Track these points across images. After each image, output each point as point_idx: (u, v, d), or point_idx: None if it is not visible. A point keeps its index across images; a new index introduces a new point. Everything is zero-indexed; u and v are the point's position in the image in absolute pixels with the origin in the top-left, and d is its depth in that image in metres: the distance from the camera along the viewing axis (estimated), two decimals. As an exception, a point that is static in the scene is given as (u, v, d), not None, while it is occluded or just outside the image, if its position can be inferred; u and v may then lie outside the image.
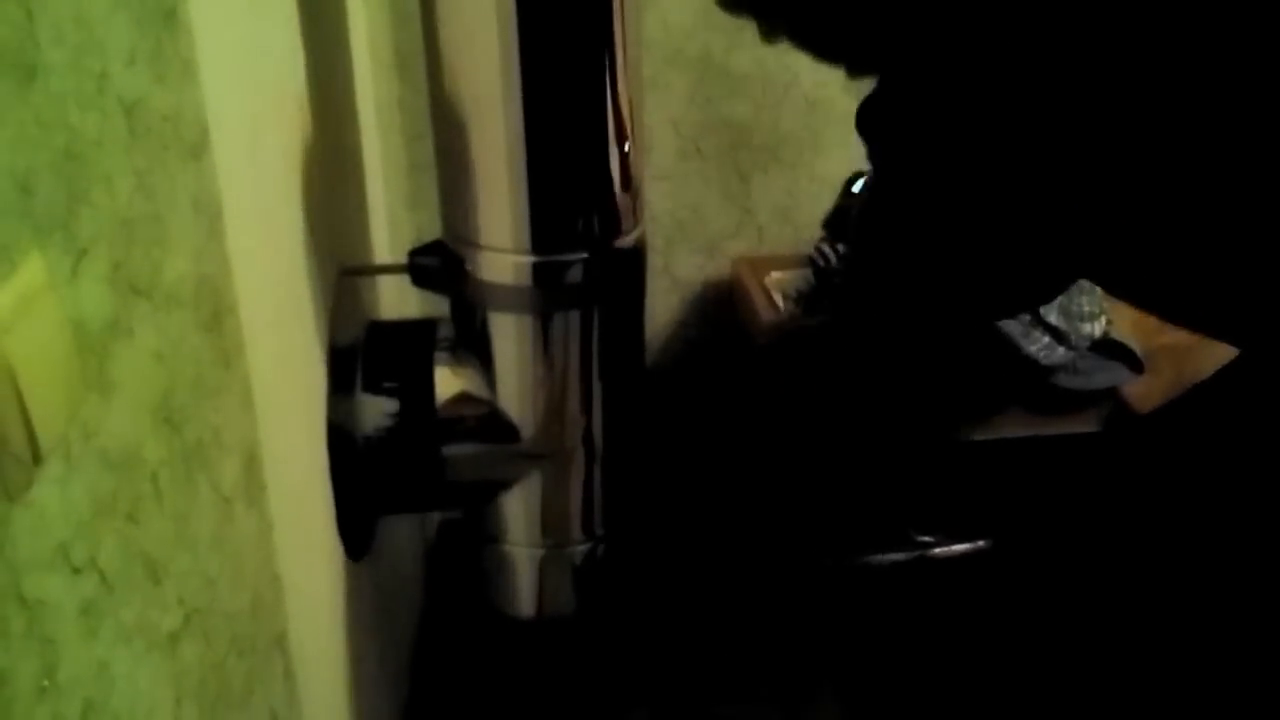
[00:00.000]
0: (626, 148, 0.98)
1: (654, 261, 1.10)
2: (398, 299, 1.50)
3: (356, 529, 1.17)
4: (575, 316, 1.02)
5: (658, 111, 1.84)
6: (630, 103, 0.97)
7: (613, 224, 1.00)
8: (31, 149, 0.51)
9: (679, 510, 2.06)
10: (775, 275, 1.80)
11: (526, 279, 0.99)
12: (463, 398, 1.05)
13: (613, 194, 0.99)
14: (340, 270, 1.15)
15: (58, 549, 0.51)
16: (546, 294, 1.00)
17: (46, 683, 0.50)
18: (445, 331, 1.09)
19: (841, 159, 1.91)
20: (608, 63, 0.93)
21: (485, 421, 1.05)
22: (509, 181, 0.95)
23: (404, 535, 1.64)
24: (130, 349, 0.61)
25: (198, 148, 0.73)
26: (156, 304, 0.65)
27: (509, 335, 1.03)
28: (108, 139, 0.59)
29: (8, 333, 0.47)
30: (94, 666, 0.54)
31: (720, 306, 1.98)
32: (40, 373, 0.49)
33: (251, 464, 0.83)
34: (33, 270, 0.50)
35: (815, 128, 1.89)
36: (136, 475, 0.61)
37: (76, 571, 0.53)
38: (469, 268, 1.01)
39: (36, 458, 0.49)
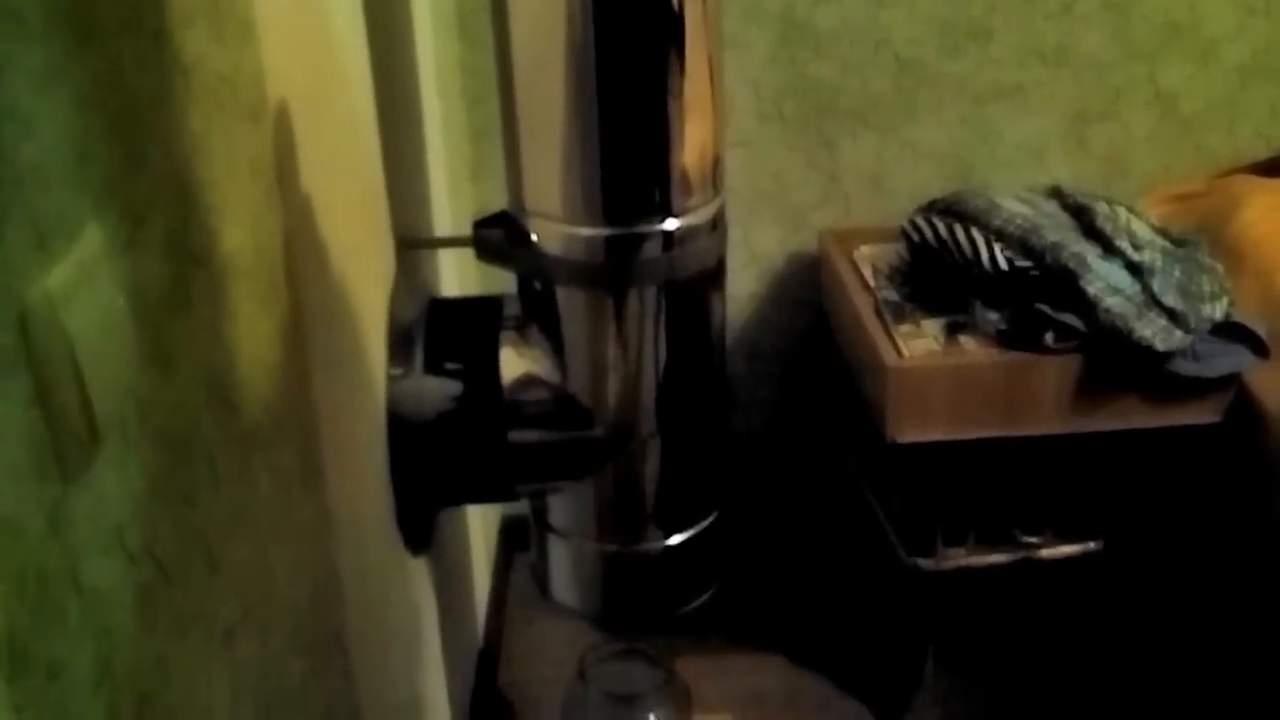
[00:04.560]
0: (707, 111, 0.98)
1: (732, 234, 1.09)
2: (459, 274, 1.52)
3: (417, 520, 1.18)
4: (650, 293, 1.02)
5: (736, 72, 1.83)
6: (711, 62, 0.96)
7: (691, 194, 0.99)
8: (88, 112, 0.51)
9: (765, 505, 2.06)
10: (864, 249, 1.78)
11: (599, 253, 0.99)
12: (531, 380, 1.06)
13: (691, 161, 0.98)
14: (399, 242, 1.16)
15: (114, 533, 0.52)
16: (620, 269, 1.00)
17: (103, 675, 0.51)
18: (511, 309, 1.09)
19: (935, 123, 1.89)
20: (688, 18, 0.92)
21: (555, 406, 1.06)
22: (580, 148, 0.95)
23: (467, 527, 1.66)
24: (187, 322, 0.62)
25: (256, 110, 0.74)
26: (213, 275, 0.66)
27: (580, 314, 1.03)
28: (165, 101, 0.60)
29: (67, 305, 0.48)
30: (151, 660, 0.55)
31: (804, 282, 1.97)
32: (99, 347, 0.50)
33: (309, 448, 0.84)
34: (91, 240, 0.51)
35: (907, 89, 1.87)
36: (194, 457, 0.62)
37: (133, 558, 0.54)
38: (536, 240, 1.01)
39: (94, 437, 0.50)
